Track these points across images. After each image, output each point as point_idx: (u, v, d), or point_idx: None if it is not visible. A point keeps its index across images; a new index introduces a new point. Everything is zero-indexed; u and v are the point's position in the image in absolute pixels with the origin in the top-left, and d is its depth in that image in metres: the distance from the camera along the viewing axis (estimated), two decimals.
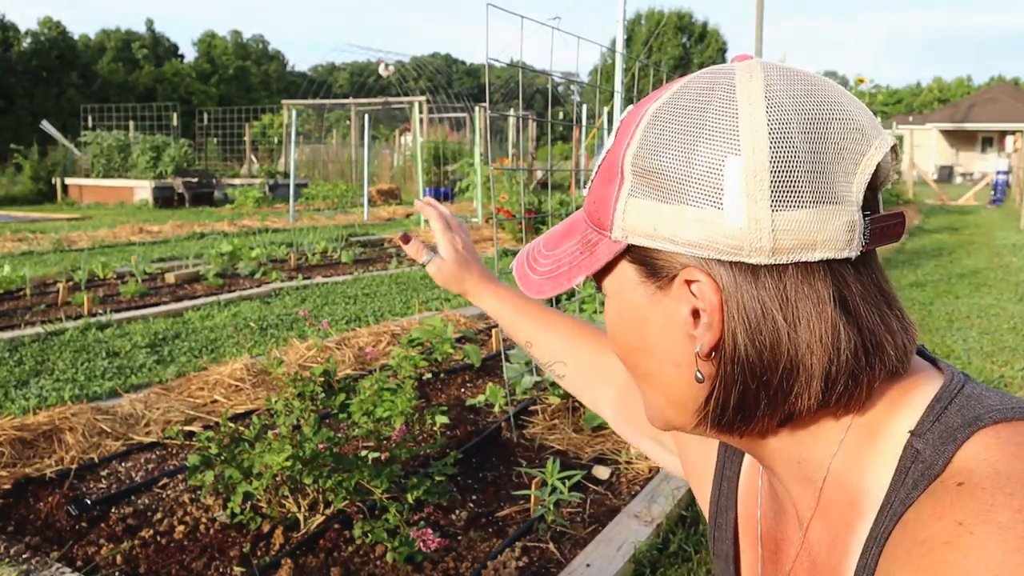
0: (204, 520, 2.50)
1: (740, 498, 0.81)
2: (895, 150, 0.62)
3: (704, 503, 0.86)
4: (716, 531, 0.83)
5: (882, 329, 0.60)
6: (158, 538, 2.41)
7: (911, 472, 0.59)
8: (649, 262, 0.62)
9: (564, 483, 2.66)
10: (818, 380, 0.59)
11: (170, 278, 7.21)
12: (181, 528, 2.45)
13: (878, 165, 0.59)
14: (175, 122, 24.47)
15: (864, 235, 0.58)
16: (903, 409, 0.62)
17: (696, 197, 0.58)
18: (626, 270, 0.64)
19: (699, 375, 0.62)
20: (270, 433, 2.41)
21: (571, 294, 5.60)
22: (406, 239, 1.16)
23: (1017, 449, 0.56)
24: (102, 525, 2.51)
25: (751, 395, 0.61)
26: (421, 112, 18.28)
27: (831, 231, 0.57)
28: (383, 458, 2.50)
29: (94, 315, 5.64)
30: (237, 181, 20.95)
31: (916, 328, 0.65)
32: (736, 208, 0.56)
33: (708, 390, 0.63)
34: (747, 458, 0.81)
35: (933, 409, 0.61)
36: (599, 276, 0.67)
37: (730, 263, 0.58)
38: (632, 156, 0.61)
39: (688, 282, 0.60)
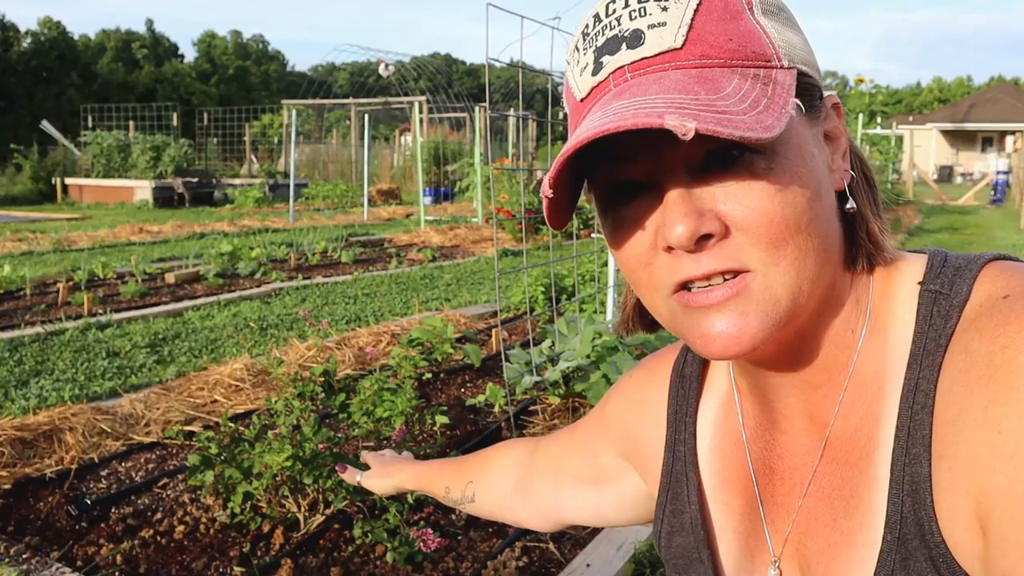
0: (204, 520, 2.50)
1: (703, 458, 0.78)
2: None
3: (655, 485, 0.83)
4: (672, 504, 0.80)
5: None
6: (158, 538, 2.41)
7: (936, 311, 0.61)
8: (808, 89, 0.62)
9: None
10: (878, 188, 0.69)
11: (170, 278, 7.21)
12: (181, 528, 2.45)
13: None
14: (175, 122, 24.48)
15: None
16: (904, 272, 0.66)
17: (802, 31, 0.64)
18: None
19: (852, 203, 0.64)
20: (270, 433, 2.41)
21: (571, 294, 5.60)
22: (343, 468, 1.32)
23: None
24: (102, 525, 2.51)
25: (878, 210, 0.67)
26: (421, 112, 18.27)
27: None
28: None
29: (94, 315, 5.64)
30: (237, 181, 20.95)
31: None
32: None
33: (855, 217, 0.65)
34: (710, 415, 0.79)
35: (933, 263, 0.65)
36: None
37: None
38: None
39: (832, 109, 0.65)
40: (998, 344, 0.53)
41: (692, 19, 0.59)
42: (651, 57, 0.59)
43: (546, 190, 0.59)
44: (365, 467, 1.32)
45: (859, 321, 0.65)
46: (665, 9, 0.59)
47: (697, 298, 0.60)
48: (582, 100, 0.63)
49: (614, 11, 0.61)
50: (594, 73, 0.61)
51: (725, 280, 0.59)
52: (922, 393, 0.58)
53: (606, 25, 0.61)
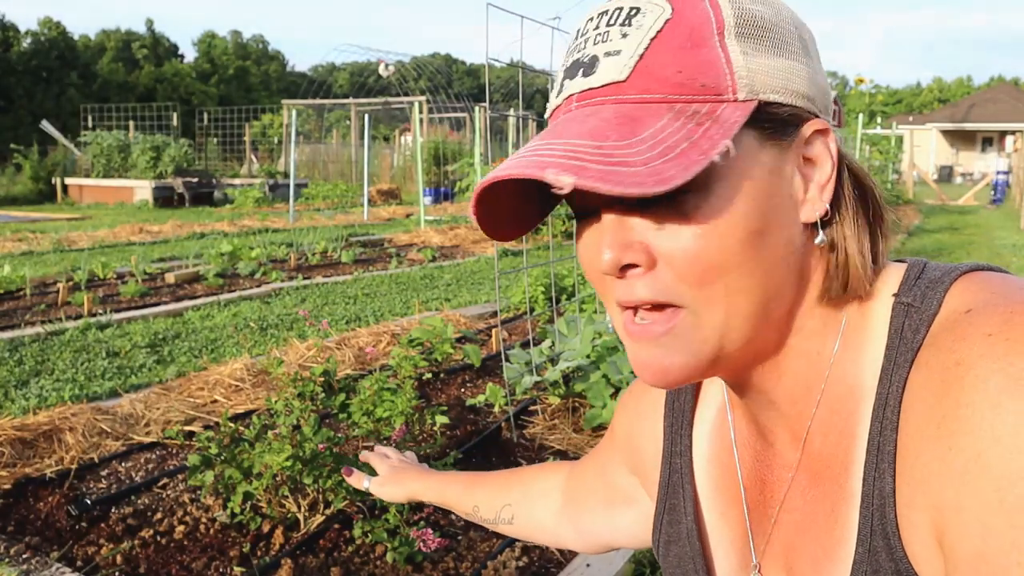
0: (204, 520, 2.50)
1: (699, 471, 0.79)
2: None
3: (654, 496, 0.84)
4: (667, 515, 0.81)
5: None
6: (158, 538, 2.41)
7: (907, 324, 0.60)
8: (776, 119, 0.59)
9: None
10: (889, 219, 0.65)
11: (170, 278, 7.21)
12: (181, 528, 2.45)
13: None
14: (175, 122, 24.48)
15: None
16: (882, 286, 0.65)
17: (798, 53, 0.61)
18: (744, 136, 0.58)
19: (822, 237, 0.62)
20: (270, 433, 2.41)
21: (571, 294, 5.60)
22: (348, 472, 1.26)
23: (1003, 280, 0.60)
24: (102, 525, 2.51)
25: (868, 235, 0.64)
26: (421, 112, 18.28)
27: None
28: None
29: (94, 315, 5.64)
30: (237, 181, 20.95)
31: None
32: (817, 68, 0.63)
33: (827, 252, 0.63)
34: (704, 432, 0.79)
35: (910, 274, 0.64)
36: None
37: (824, 119, 0.62)
38: (735, 15, 0.59)
39: (811, 139, 0.61)
40: (952, 359, 0.54)
41: (646, 49, 0.58)
42: (597, 88, 0.59)
43: (471, 214, 0.63)
44: (371, 471, 1.28)
45: (828, 342, 0.64)
46: (625, 36, 0.59)
47: (634, 328, 0.62)
48: (547, 118, 0.65)
49: (586, 32, 0.62)
50: (557, 95, 0.63)
51: (661, 310, 0.60)
52: (890, 408, 0.59)
53: (577, 45, 0.62)
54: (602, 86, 0.59)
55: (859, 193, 0.64)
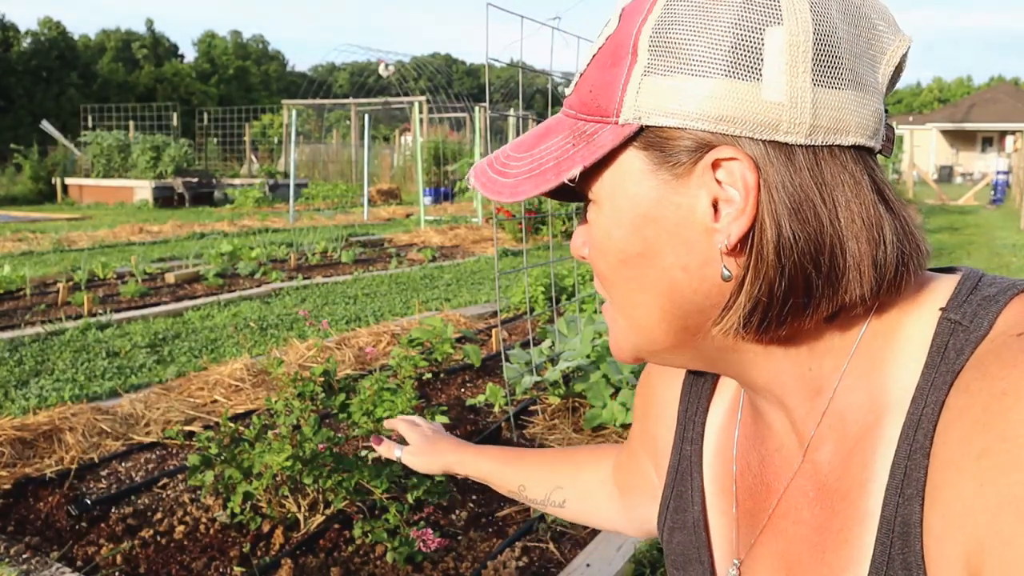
0: (204, 520, 2.50)
1: (707, 461, 0.77)
2: (907, 53, 0.60)
3: (663, 480, 0.82)
4: (674, 501, 0.78)
5: (912, 222, 0.58)
6: (158, 538, 2.41)
7: (951, 343, 0.56)
8: (666, 144, 0.56)
9: None
10: (868, 267, 0.56)
11: (170, 278, 7.21)
12: (181, 528, 2.45)
13: (896, 64, 0.58)
14: (175, 122, 24.48)
15: (885, 129, 0.57)
16: (926, 298, 0.59)
17: (732, 68, 0.54)
18: (632, 159, 0.58)
19: (726, 272, 0.56)
20: (270, 433, 2.41)
21: (571, 294, 5.60)
22: (378, 440, 1.19)
23: None
24: (102, 525, 2.51)
25: (801, 283, 0.56)
26: (421, 112, 18.28)
27: (864, 116, 0.55)
28: (383, 458, 2.50)
29: (94, 315, 5.64)
30: (237, 181, 20.96)
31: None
32: (777, 80, 0.53)
33: (735, 287, 0.57)
34: (717, 420, 0.77)
35: (963, 287, 0.58)
36: (591, 176, 0.60)
37: (764, 141, 0.54)
38: (651, 30, 0.56)
39: (716, 164, 0.55)
40: (998, 388, 0.50)
41: (588, 64, 0.60)
42: (567, 98, 0.63)
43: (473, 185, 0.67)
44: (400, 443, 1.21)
45: (834, 350, 0.61)
46: (591, 51, 0.62)
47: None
48: None
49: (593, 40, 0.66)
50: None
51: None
52: (922, 432, 0.55)
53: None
54: (567, 97, 0.63)
55: (797, 244, 0.55)
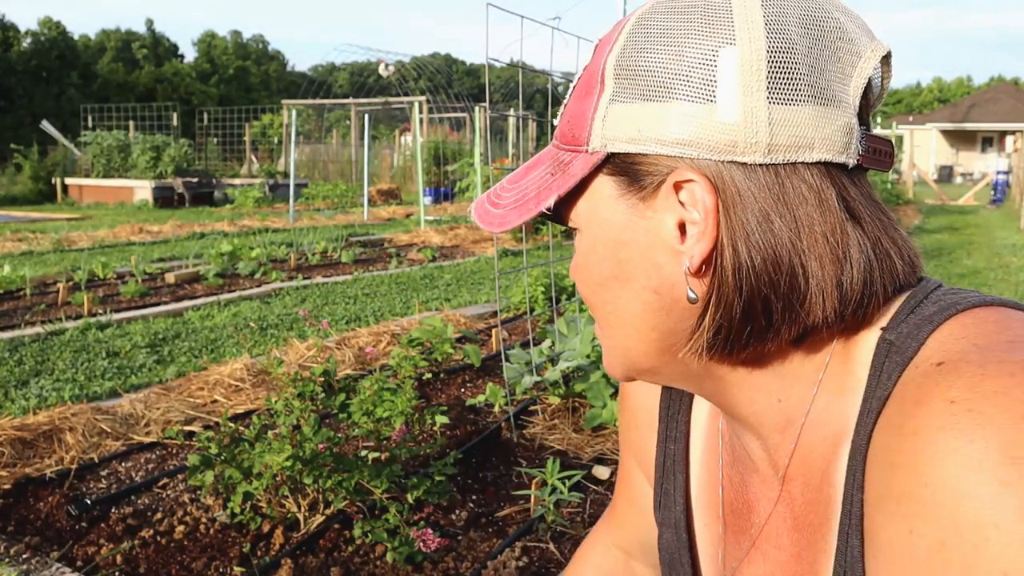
0: (204, 520, 2.50)
1: (693, 464, 0.76)
2: (888, 61, 0.59)
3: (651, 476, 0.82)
4: (662, 497, 0.78)
5: (887, 239, 0.57)
6: (158, 538, 2.41)
7: (885, 365, 0.54)
8: (632, 170, 0.57)
9: (564, 483, 2.66)
10: (832, 289, 0.54)
11: (170, 278, 7.21)
12: (181, 528, 2.45)
13: (870, 78, 0.57)
14: (175, 122, 24.48)
15: (860, 144, 0.55)
16: (882, 316, 0.57)
17: (687, 91, 0.54)
18: (603, 185, 0.59)
19: (691, 294, 0.56)
20: (270, 433, 2.41)
21: (571, 294, 5.60)
22: None
23: (997, 325, 0.51)
24: (102, 525, 2.51)
25: (759, 306, 0.55)
26: (421, 112, 18.28)
27: (828, 131, 0.54)
28: (383, 458, 2.50)
29: (94, 315, 5.64)
30: (237, 181, 20.95)
31: (919, 250, 0.61)
32: (731, 101, 0.53)
33: (701, 309, 0.57)
34: (702, 421, 0.76)
35: (907, 305, 0.57)
36: (570, 203, 0.62)
37: (723, 162, 0.54)
38: (615, 59, 0.58)
39: (678, 186, 0.55)
40: (911, 427, 0.48)
41: (569, 96, 0.62)
42: (555, 130, 0.65)
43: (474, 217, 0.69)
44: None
45: (803, 377, 0.60)
46: (573, 83, 0.64)
47: None
48: None
49: None
50: None
51: None
52: (858, 465, 0.54)
53: None
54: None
55: (754, 267, 0.55)
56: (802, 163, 0.54)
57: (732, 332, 0.56)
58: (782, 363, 0.60)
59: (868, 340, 0.57)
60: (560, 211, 0.62)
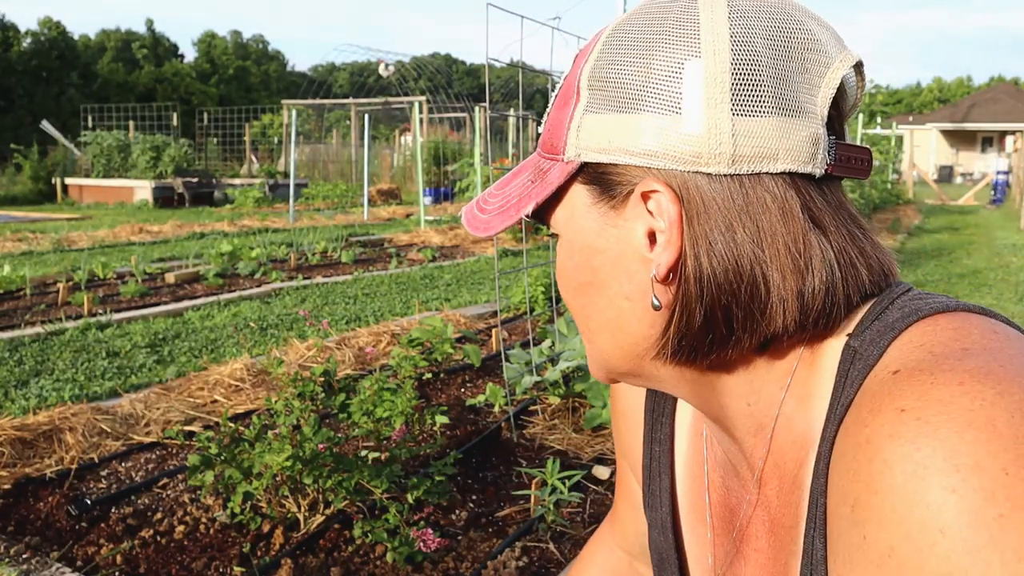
0: (204, 520, 2.50)
1: (678, 466, 0.77)
2: (860, 70, 0.59)
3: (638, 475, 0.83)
4: (649, 497, 0.79)
5: (854, 249, 0.57)
6: (158, 538, 2.41)
7: (850, 372, 0.55)
8: (603, 179, 0.59)
9: (564, 483, 2.66)
10: (793, 299, 0.55)
11: (170, 278, 7.21)
12: (181, 528, 2.45)
13: (842, 85, 0.57)
14: (175, 122, 24.47)
15: (829, 154, 0.56)
16: (849, 322, 0.58)
17: (654, 103, 0.55)
18: (578, 194, 0.61)
19: (655, 301, 0.57)
20: (270, 433, 2.41)
21: None
22: None
23: (955, 332, 0.52)
24: (102, 525, 2.51)
25: (720, 315, 0.56)
26: (421, 112, 18.28)
27: (794, 142, 0.54)
28: (383, 458, 2.50)
29: (94, 315, 5.64)
30: (237, 181, 20.94)
31: (894, 258, 0.61)
32: (695, 113, 0.54)
33: (667, 316, 0.58)
34: (686, 424, 0.77)
35: (872, 312, 0.57)
36: (549, 209, 0.63)
37: (688, 172, 0.55)
38: (590, 70, 0.59)
39: (645, 196, 0.56)
40: (863, 435, 0.49)
41: (552, 104, 0.64)
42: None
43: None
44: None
45: (772, 382, 0.60)
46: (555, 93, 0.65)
47: None
48: None
49: None
50: None
51: None
52: (822, 471, 0.55)
53: None
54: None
55: (715, 275, 0.55)
56: (767, 173, 0.55)
57: (695, 339, 0.58)
58: (747, 369, 0.61)
59: (834, 347, 0.58)
60: (543, 216, 0.64)
